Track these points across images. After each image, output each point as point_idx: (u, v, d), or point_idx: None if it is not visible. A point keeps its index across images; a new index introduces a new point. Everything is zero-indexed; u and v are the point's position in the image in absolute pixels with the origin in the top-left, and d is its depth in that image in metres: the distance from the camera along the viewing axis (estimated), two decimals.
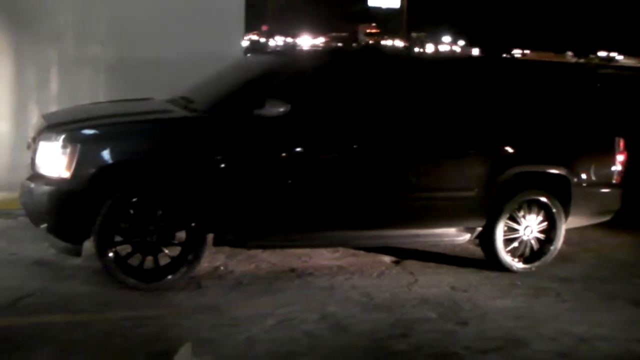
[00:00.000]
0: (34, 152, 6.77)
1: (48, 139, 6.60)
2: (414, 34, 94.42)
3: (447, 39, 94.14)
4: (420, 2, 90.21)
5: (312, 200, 7.13)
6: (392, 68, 8.06)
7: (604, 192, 8.44)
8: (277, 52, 11.33)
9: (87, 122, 6.96)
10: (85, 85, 10.03)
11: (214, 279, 7.08)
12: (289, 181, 6.99)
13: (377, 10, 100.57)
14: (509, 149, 7.81)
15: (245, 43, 10.99)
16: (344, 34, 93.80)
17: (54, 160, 6.49)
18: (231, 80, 7.69)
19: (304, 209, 7.15)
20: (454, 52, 73.99)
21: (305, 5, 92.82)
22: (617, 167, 8.43)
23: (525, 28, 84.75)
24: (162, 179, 6.68)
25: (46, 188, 6.53)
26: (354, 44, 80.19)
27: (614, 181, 8.46)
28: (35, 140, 6.84)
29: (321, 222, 7.31)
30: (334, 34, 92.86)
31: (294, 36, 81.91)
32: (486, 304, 6.95)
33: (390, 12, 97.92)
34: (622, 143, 8.46)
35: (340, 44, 75.79)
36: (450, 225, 7.78)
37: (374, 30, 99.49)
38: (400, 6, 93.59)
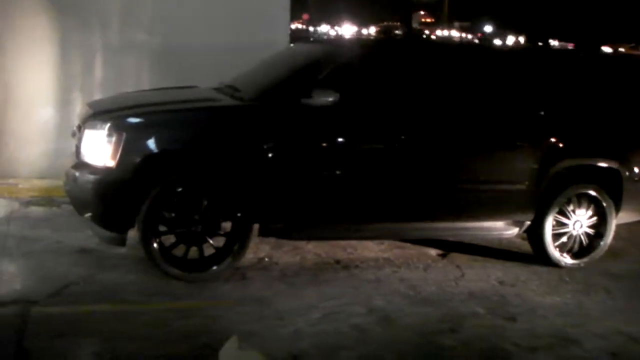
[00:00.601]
0: (79, 140, 6.74)
1: (93, 127, 6.56)
2: (456, 24, 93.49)
3: (489, 29, 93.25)
4: None
5: (360, 191, 7.03)
6: (441, 58, 7.92)
7: None
8: (325, 41, 11.24)
9: (132, 110, 6.91)
10: (130, 72, 10.02)
11: (258, 270, 7.01)
12: (337, 172, 6.89)
13: (419, 0, 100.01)
14: (561, 142, 7.65)
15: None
16: (396, 23, 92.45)
17: (99, 149, 6.44)
18: (278, 69, 7.64)
19: (352, 200, 7.06)
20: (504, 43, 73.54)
21: None
22: None
23: (568, 19, 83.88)
24: (208, 169, 6.61)
25: (91, 177, 6.47)
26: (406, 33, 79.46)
27: None
28: (81, 128, 6.81)
29: (370, 214, 7.20)
30: (385, 23, 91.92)
31: (335, 25, 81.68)
32: (535, 300, 6.83)
33: (432, 1, 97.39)
34: None
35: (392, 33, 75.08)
36: (499, 218, 7.65)
37: (428, 20, 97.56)
38: None
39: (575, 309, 6.71)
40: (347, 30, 75.77)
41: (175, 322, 5.72)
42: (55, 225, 7.96)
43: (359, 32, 76.21)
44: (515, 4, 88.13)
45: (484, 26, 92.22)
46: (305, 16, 78.14)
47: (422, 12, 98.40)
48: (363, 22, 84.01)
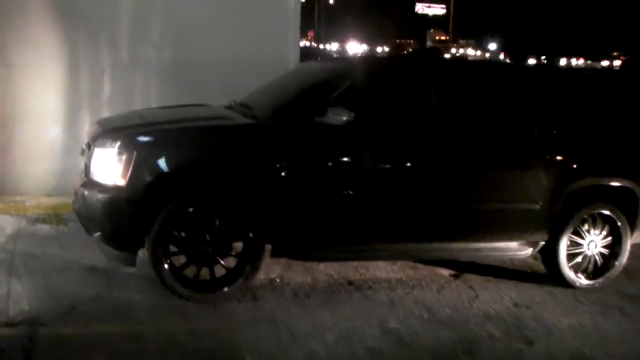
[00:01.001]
0: (89, 158, 6.64)
1: (103, 145, 6.47)
2: (461, 41, 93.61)
3: (493, 46, 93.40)
4: (466, 9, 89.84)
5: (374, 211, 6.93)
6: (455, 75, 7.82)
7: None
8: (339, 59, 11.20)
9: (143, 128, 6.83)
10: (139, 89, 9.96)
11: (270, 291, 6.91)
12: (351, 191, 6.80)
13: (424, 17, 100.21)
14: (575, 162, 7.57)
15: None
16: (409, 41, 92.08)
17: (109, 168, 6.35)
18: (292, 87, 7.56)
19: (366, 221, 6.96)
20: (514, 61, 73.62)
21: (352, 12, 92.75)
22: None
23: (572, 35, 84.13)
24: (220, 188, 6.52)
25: (101, 196, 6.37)
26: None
27: None
28: (90, 146, 6.71)
29: (384, 234, 7.10)
30: (399, 41, 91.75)
31: (342, 43, 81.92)
32: (551, 322, 6.72)
33: (436, 18, 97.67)
34: None
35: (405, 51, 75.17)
36: (513, 238, 7.55)
37: (444, 37, 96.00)
38: (446, 13, 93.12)
39: (592, 331, 6.60)
40: (353, 47, 75.96)
41: (189, 343, 5.65)
42: (63, 243, 7.86)
43: (373, 50, 76.29)
44: (521, 21, 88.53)
45: (488, 43, 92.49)
46: (311, 34, 78.28)
47: (431, 30, 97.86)
48: (369, 40, 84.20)
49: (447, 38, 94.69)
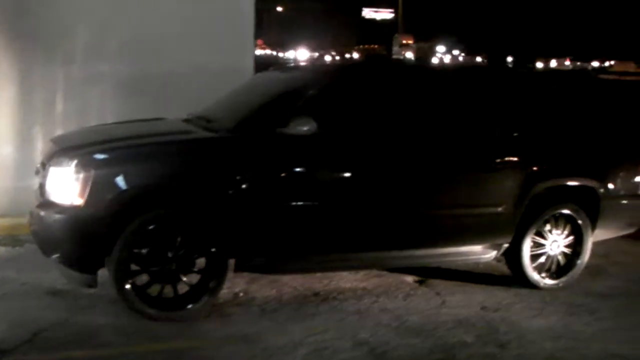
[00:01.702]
0: (44, 178, 6.48)
1: (59, 164, 6.32)
2: (413, 45, 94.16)
3: (441, 49, 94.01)
4: (415, 13, 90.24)
5: (339, 221, 6.88)
6: (419, 81, 7.81)
7: (631, 204, 8.23)
8: (299, 67, 11.16)
9: (100, 145, 6.65)
10: (94, 104, 9.80)
11: (236, 307, 6.79)
12: (316, 202, 6.74)
13: (372, 22, 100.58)
14: (539, 163, 7.60)
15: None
16: (375, 46, 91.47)
17: (66, 187, 6.19)
18: (252, 98, 7.49)
19: (331, 231, 6.90)
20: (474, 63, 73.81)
21: (301, 19, 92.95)
22: None
23: (526, 35, 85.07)
24: (182, 204, 6.40)
25: (58, 217, 6.22)
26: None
27: None
28: (45, 165, 6.55)
29: (349, 244, 7.05)
30: (365, 47, 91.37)
31: (292, 50, 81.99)
32: (521, 325, 6.71)
33: (385, 22, 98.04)
34: None
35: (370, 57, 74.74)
36: (478, 242, 7.55)
37: (410, 41, 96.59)
38: (395, 17, 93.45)
39: (563, 331, 6.60)
40: (303, 55, 75.89)
41: None
42: (20, 265, 7.67)
43: (342, 57, 76.32)
44: (474, 23, 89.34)
45: (437, 46, 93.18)
46: (259, 42, 78.25)
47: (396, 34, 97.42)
48: (319, 47, 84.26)
49: (413, 42, 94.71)
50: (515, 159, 7.50)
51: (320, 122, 6.62)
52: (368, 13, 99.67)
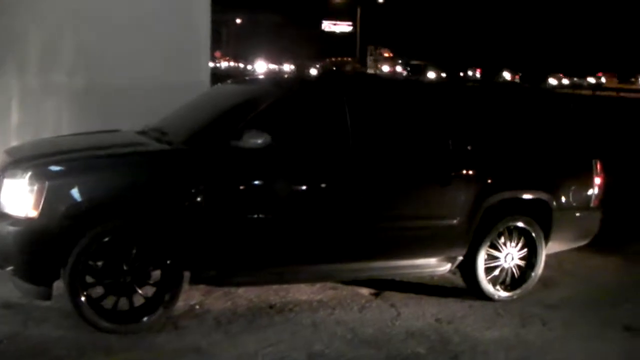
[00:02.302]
0: None
1: (13, 176, 6.29)
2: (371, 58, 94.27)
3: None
4: (370, 27, 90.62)
5: (292, 234, 6.91)
6: (372, 94, 7.86)
7: (583, 216, 8.37)
8: (254, 80, 11.18)
9: (55, 157, 6.63)
10: (49, 115, 9.78)
11: (191, 319, 6.78)
12: (269, 215, 6.77)
13: (332, 34, 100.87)
14: (491, 176, 7.68)
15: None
16: (347, 59, 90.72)
17: (20, 199, 6.16)
18: (206, 110, 7.48)
19: (284, 244, 6.93)
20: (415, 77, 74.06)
21: (260, 31, 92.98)
22: (595, 190, 8.36)
23: (475, 48, 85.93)
24: (137, 216, 6.40)
25: (11, 229, 6.17)
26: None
27: (592, 204, 8.39)
28: None
29: (303, 257, 7.09)
30: (332, 59, 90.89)
31: (250, 61, 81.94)
32: (474, 336, 6.79)
33: (343, 35, 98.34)
34: (599, 165, 8.38)
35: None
36: (432, 255, 7.61)
37: (387, 54, 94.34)
38: (353, 30, 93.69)
39: (515, 342, 6.70)
40: (261, 66, 75.86)
41: None
42: None
43: (281, 69, 76.18)
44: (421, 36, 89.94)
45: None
46: (217, 54, 78.13)
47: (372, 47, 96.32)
48: (278, 59, 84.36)
49: (391, 55, 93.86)
50: (469, 171, 7.58)
51: (274, 135, 6.66)
52: (327, 26, 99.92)
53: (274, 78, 14.48)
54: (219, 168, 6.60)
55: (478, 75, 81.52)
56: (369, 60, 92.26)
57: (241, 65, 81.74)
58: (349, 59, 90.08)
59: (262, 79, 13.53)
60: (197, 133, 6.85)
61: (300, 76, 19.27)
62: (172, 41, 10.08)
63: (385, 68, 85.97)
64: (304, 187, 6.96)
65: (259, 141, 6.56)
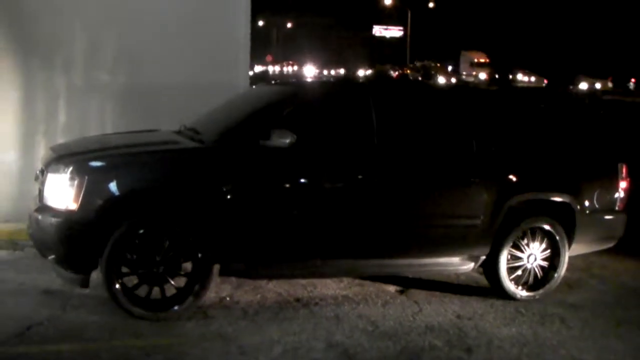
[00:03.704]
0: (42, 183, 6.84)
1: (56, 170, 6.68)
2: (417, 63, 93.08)
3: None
4: (422, 32, 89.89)
5: (319, 229, 7.20)
6: (398, 98, 8.14)
7: (607, 219, 8.48)
8: (285, 82, 11.42)
9: (94, 153, 7.05)
10: (93, 114, 10.09)
11: (220, 309, 7.11)
12: (295, 211, 7.05)
13: (382, 39, 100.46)
14: (514, 177, 7.86)
15: (251, 73, 11.08)
16: (432, 63, 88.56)
17: (62, 192, 6.56)
18: (237, 111, 7.80)
19: (311, 239, 7.22)
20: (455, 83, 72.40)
21: (310, 35, 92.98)
22: (620, 194, 8.46)
23: (528, 53, 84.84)
24: (169, 210, 6.75)
25: (54, 220, 6.58)
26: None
27: (617, 207, 8.49)
28: (43, 171, 6.91)
29: (329, 252, 7.34)
30: (416, 63, 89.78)
31: (300, 66, 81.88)
32: (491, 332, 6.98)
33: (394, 40, 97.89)
34: (625, 169, 8.49)
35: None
36: (455, 254, 7.80)
37: (483, 60, 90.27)
38: (404, 35, 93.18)
39: (531, 339, 6.87)
40: (310, 71, 75.80)
41: (141, 359, 5.84)
42: (19, 267, 8.03)
43: (329, 73, 75.82)
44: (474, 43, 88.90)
45: (447, 65, 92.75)
46: (269, 57, 78.41)
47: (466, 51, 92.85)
48: (327, 64, 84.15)
49: (487, 60, 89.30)
50: (492, 173, 7.79)
51: (301, 134, 6.95)
52: (378, 31, 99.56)
53: (303, 80, 14.70)
54: (248, 166, 6.93)
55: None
56: (463, 67, 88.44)
57: (291, 68, 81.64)
58: (437, 64, 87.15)
59: (292, 82, 13.76)
60: (228, 132, 7.17)
61: (326, 79, 19.50)
62: (213, 44, 10.28)
63: (482, 76, 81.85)
64: (329, 185, 7.23)
65: (287, 141, 6.86)
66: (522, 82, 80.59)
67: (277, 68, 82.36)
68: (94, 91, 10.09)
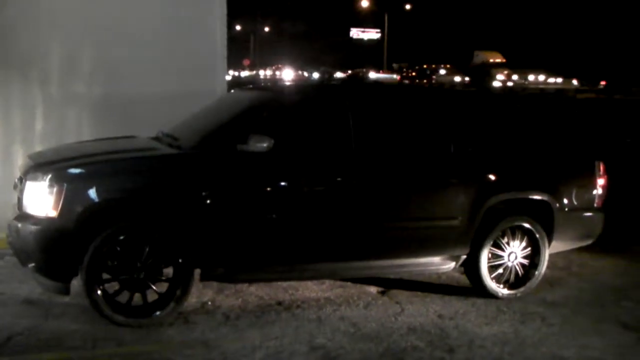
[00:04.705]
0: (21, 192, 6.83)
1: (34, 178, 6.67)
2: (395, 65, 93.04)
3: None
4: (399, 35, 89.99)
5: (298, 233, 7.21)
6: (374, 100, 8.16)
7: (586, 217, 8.54)
8: (261, 87, 11.45)
9: (73, 161, 7.02)
10: (71, 123, 10.06)
11: (202, 314, 7.10)
12: (275, 215, 7.07)
13: (359, 42, 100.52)
14: (492, 177, 7.90)
15: (228, 78, 11.07)
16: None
17: (41, 200, 6.55)
18: (215, 116, 7.81)
19: (291, 242, 7.23)
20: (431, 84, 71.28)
21: (287, 39, 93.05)
22: (599, 191, 8.52)
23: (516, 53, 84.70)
24: (149, 216, 6.75)
25: (33, 228, 6.56)
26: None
27: (595, 205, 8.55)
28: (22, 180, 6.89)
29: (309, 255, 7.37)
30: (394, 65, 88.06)
31: (278, 69, 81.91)
32: (473, 331, 7.01)
33: (372, 42, 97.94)
34: (602, 167, 8.56)
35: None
36: (435, 254, 7.84)
37: (499, 60, 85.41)
38: (381, 37, 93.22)
39: (512, 337, 6.91)
40: (288, 74, 75.82)
41: None
42: None
43: (309, 77, 75.58)
44: (455, 44, 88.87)
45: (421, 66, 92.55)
46: (246, 62, 78.38)
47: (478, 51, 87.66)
48: (305, 67, 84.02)
49: (504, 60, 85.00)
50: (470, 173, 7.84)
51: (278, 138, 6.97)
52: (356, 33, 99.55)
53: (279, 85, 14.75)
54: (226, 171, 6.94)
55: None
56: (478, 61, 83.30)
57: (268, 73, 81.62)
58: (448, 65, 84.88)
59: (268, 87, 13.81)
60: (205, 138, 7.18)
61: (302, 83, 19.58)
62: (189, 53, 10.31)
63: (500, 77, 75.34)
64: (307, 189, 7.25)
65: (264, 145, 6.87)
66: (548, 83, 76.91)
67: (268, 72, 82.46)
68: (71, 102, 10.07)
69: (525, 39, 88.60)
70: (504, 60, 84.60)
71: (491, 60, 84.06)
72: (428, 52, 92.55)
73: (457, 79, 74.68)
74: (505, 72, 77.35)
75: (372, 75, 75.37)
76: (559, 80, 77.75)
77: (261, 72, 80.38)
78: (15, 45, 9.80)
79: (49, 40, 10.00)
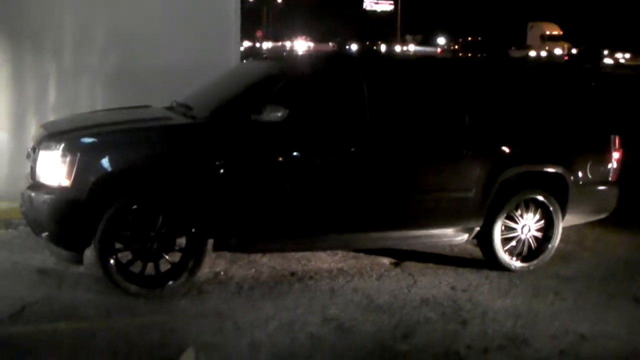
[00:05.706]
0: (34, 161, 6.82)
1: (48, 148, 6.66)
2: (408, 37, 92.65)
3: (442, 41, 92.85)
4: (413, 6, 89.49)
5: (312, 203, 7.19)
6: (389, 71, 8.12)
7: (600, 190, 8.50)
8: (276, 57, 11.39)
9: (86, 130, 7.00)
10: (84, 94, 10.02)
11: (215, 285, 7.11)
12: (289, 185, 7.05)
13: (372, 13, 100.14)
14: (507, 149, 7.85)
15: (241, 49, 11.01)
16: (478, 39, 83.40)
17: (54, 169, 6.54)
18: (229, 86, 7.77)
19: (304, 213, 7.22)
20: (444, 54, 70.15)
21: (300, 10, 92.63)
22: (614, 165, 8.48)
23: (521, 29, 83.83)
24: (162, 186, 6.73)
25: (46, 197, 6.57)
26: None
27: (610, 179, 8.51)
28: (35, 149, 6.89)
29: (322, 226, 7.36)
30: (469, 39, 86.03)
31: (290, 41, 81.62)
32: (486, 304, 7.00)
33: (385, 14, 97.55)
34: (618, 141, 8.50)
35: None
36: (448, 225, 7.82)
37: (556, 32, 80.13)
38: (394, 9, 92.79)
39: (525, 310, 6.89)
40: (301, 46, 75.52)
41: (136, 337, 5.85)
42: (13, 247, 7.99)
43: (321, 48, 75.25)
44: (467, 16, 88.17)
45: (436, 39, 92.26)
46: (259, 33, 78.12)
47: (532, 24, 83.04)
48: (319, 38, 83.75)
49: (560, 33, 79.91)
50: (484, 145, 7.80)
51: (293, 109, 6.94)
52: (369, 5, 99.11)
53: (293, 55, 14.68)
54: (240, 141, 6.91)
55: None
56: (531, 41, 78.92)
57: (282, 44, 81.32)
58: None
59: (282, 56, 13.75)
60: (220, 108, 7.14)
61: (317, 53, 19.41)
62: (203, 24, 10.20)
63: (558, 51, 71.94)
64: (322, 159, 7.24)
65: (278, 115, 6.84)
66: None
67: (267, 44, 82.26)
68: (84, 73, 10.02)
69: (584, 10, 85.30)
70: (561, 33, 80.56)
71: (548, 33, 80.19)
72: (441, 25, 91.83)
73: (532, 53, 70.97)
74: (566, 45, 74.43)
75: (412, 48, 74.41)
76: (627, 55, 73.93)
77: (287, 43, 79.89)
78: (28, 16, 9.75)
79: (62, 11, 9.93)
